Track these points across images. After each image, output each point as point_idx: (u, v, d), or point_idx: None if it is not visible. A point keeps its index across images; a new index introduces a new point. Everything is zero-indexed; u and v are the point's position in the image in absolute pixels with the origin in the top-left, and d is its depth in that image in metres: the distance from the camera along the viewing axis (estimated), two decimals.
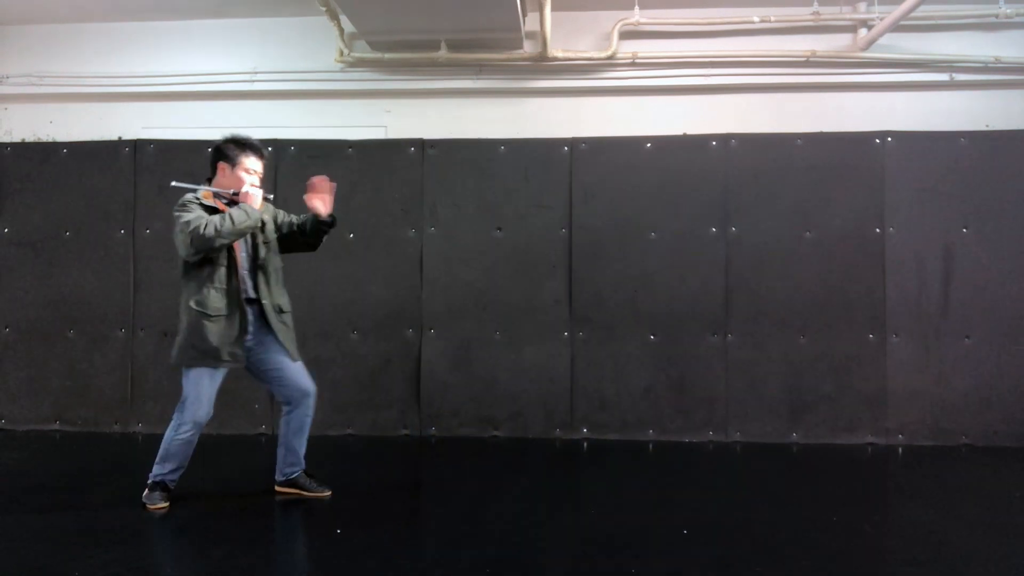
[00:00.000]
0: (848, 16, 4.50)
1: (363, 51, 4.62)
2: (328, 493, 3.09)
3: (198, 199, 2.92)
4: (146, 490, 2.95)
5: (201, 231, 2.75)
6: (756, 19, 4.52)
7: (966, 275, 4.16)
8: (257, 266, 2.97)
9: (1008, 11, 4.38)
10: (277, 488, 3.14)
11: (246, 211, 2.81)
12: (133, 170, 4.48)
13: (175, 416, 2.98)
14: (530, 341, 4.30)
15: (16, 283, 4.48)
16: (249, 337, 2.94)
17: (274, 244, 3.06)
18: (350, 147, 4.44)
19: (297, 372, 3.03)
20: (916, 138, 4.24)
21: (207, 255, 2.84)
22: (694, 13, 4.57)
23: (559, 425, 4.29)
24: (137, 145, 4.51)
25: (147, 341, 4.41)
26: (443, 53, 4.51)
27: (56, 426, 4.40)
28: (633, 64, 4.60)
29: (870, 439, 4.15)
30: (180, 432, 2.94)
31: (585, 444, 4.17)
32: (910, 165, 4.22)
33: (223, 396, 4.32)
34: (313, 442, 4.13)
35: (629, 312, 4.28)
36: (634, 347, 4.26)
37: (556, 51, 4.50)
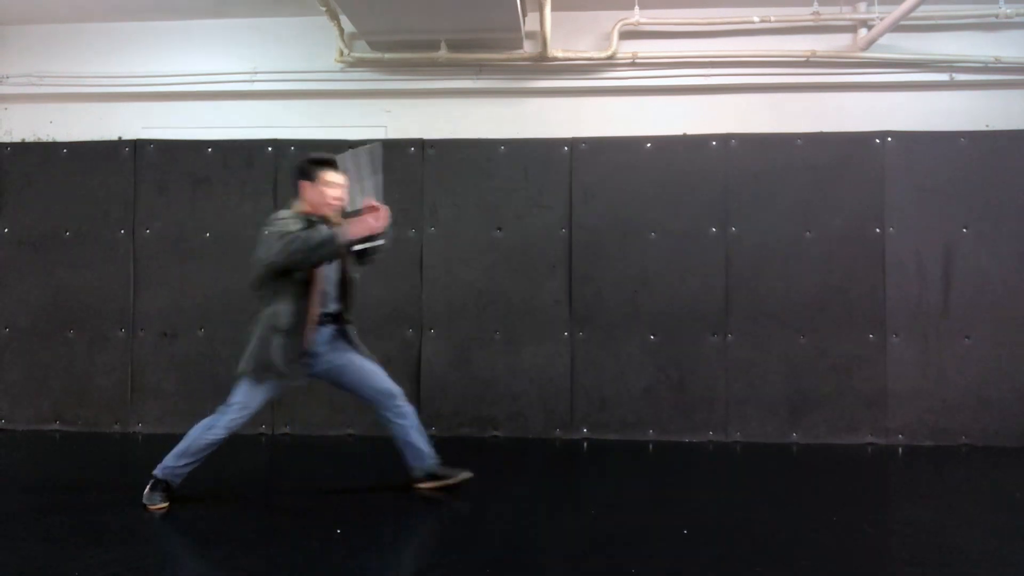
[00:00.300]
0: (848, 16, 4.50)
1: (363, 51, 4.62)
2: (469, 474, 3.12)
3: (304, 218, 2.90)
4: (147, 489, 2.93)
5: (289, 246, 2.73)
6: (756, 19, 4.52)
7: (966, 275, 4.16)
8: (345, 279, 3.02)
9: (1008, 11, 4.38)
10: (416, 486, 3.15)
11: (331, 237, 2.74)
12: (133, 170, 4.48)
13: (213, 416, 2.95)
14: (530, 341, 4.30)
15: (16, 283, 4.48)
16: (324, 349, 2.97)
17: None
18: (350, 147, 4.41)
19: (379, 376, 3.06)
20: (916, 138, 4.24)
21: (293, 274, 2.84)
22: (694, 13, 4.57)
23: (559, 425, 4.29)
24: (137, 145, 4.51)
25: (147, 341, 4.41)
26: (443, 53, 4.51)
27: (56, 426, 4.40)
28: (633, 64, 4.60)
29: (870, 439, 4.15)
30: (211, 433, 2.93)
31: (585, 444, 4.17)
32: (910, 165, 4.22)
33: (223, 396, 4.34)
34: (313, 442, 4.16)
35: (629, 312, 4.28)
36: (634, 347, 4.26)
37: (556, 51, 4.50)
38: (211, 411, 4.33)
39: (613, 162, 4.33)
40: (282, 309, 2.84)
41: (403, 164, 4.40)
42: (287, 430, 4.34)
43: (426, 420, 4.28)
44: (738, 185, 4.29)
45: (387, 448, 4.05)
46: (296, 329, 2.85)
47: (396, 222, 4.35)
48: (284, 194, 4.42)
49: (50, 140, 4.73)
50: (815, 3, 4.47)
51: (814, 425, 4.18)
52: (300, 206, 2.97)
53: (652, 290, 4.27)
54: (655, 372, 4.27)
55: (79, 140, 4.62)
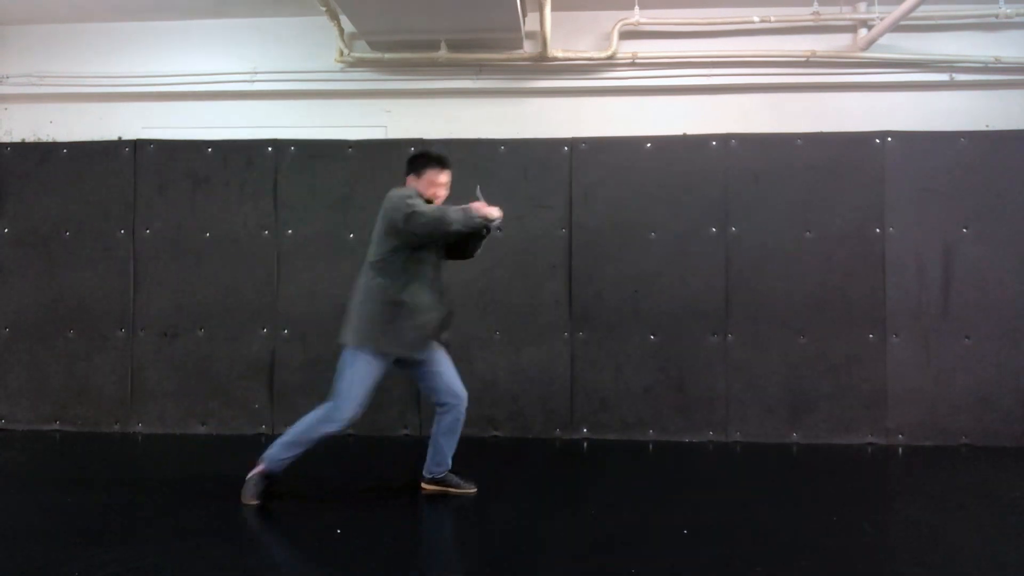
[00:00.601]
0: (848, 16, 4.50)
1: (363, 51, 4.62)
2: (474, 489, 3.13)
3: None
4: (254, 479, 2.94)
5: (427, 215, 2.78)
6: (756, 19, 4.52)
7: (966, 275, 4.16)
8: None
9: (1008, 11, 4.38)
10: (423, 485, 3.18)
11: (465, 211, 2.83)
12: (133, 170, 4.48)
13: (323, 409, 2.95)
14: (530, 341, 4.30)
15: (16, 283, 4.48)
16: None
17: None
18: (350, 147, 4.44)
19: (454, 376, 3.08)
20: (916, 138, 4.24)
21: (417, 252, 2.89)
22: (694, 13, 4.57)
23: (559, 425, 4.29)
24: (137, 145, 4.51)
25: (147, 341, 4.41)
26: (443, 53, 4.50)
27: (56, 426, 4.40)
28: (633, 64, 4.60)
29: (870, 439, 4.15)
30: (326, 425, 2.92)
31: (585, 444, 4.17)
32: (910, 165, 4.22)
33: (223, 396, 4.35)
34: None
35: (629, 312, 4.28)
36: (634, 347, 4.26)
37: (556, 51, 4.50)
38: (211, 411, 4.38)
39: (613, 162, 4.33)
40: (418, 289, 2.89)
41: (403, 164, 4.38)
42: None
43: (426, 420, 4.29)
44: (738, 185, 4.28)
45: (387, 448, 4.06)
46: (433, 307, 2.93)
47: None
48: (284, 194, 4.43)
49: (50, 140, 4.73)
50: (815, 3, 4.46)
51: (814, 425, 4.18)
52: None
53: (652, 290, 4.27)
54: (655, 372, 4.27)
55: (79, 140, 4.62)
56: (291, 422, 4.29)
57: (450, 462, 3.16)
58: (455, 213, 2.81)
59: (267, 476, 2.98)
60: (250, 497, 2.94)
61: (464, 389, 3.09)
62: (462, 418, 3.09)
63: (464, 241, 3.06)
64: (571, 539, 2.64)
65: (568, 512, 2.95)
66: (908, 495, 3.27)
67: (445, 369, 3.06)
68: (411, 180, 3.06)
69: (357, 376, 2.91)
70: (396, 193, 2.92)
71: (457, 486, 3.15)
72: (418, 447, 4.08)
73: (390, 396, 4.33)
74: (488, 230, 2.93)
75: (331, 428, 2.93)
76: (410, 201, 2.83)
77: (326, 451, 3.96)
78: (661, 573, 2.34)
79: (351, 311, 2.98)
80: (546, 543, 2.60)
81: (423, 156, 3.08)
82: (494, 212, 2.87)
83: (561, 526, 2.77)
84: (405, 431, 4.32)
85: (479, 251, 3.13)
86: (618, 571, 2.33)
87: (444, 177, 3.05)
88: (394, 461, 3.85)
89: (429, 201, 2.98)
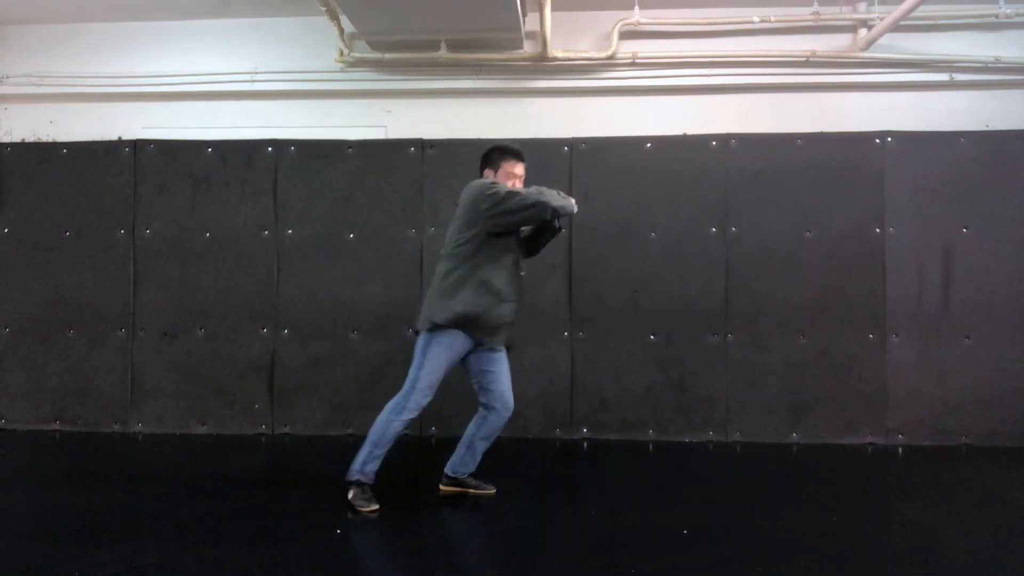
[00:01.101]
0: (848, 16, 4.50)
1: (363, 51, 4.62)
2: (493, 490, 3.12)
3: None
4: (351, 491, 2.91)
5: (519, 197, 2.82)
6: (756, 19, 4.52)
7: (966, 275, 4.16)
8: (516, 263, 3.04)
9: (1008, 11, 4.38)
10: (441, 487, 3.16)
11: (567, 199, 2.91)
12: (133, 170, 4.48)
13: (396, 402, 2.93)
14: (530, 341, 4.29)
15: (16, 283, 4.48)
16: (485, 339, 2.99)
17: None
18: (350, 147, 4.44)
19: (508, 384, 3.05)
20: (916, 138, 4.24)
21: (497, 241, 2.90)
22: (694, 13, 4.57)
23: (559, 425, 4.29)
24: (137, 145, 4.51)
25: (147, 341, 4.41)
26: (443, 53, 4.51)
27: (56, 426, 4.40)
28: (633, 64, 4.60)
29: (870, 439, 4.15)
30: (403, 416, 2.91)
31: (585, 444, 4.17)
32: (910, 165, 4.22)
33: (223, 396, 4.35)
34: (313, 442, 4.17)
35: (629, 312, 4.28)
36: (634, 347, 4.26)
37: (556, 51, 4.50)
38: (211, 411, 4.38)
39: (613, 162, 4.33)
40: (497, 273, 2.89)
41: (403, 164, 4.40)
42: (287, 430, 4.34)
43: (426, 420, 4.29)
44: (738, 185, 4.29)
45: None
46: (511, 297, 2.93)
47: (396, 222, 4.39)
48: (284, 194, 4.43)
49: (50, 140, 4.73)
50: (815, 3, 4.47)
51: (814, 425, 4.18)
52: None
53: (652, 290, 4.27)
54: (655, 372, 4.27)
55: (79, 140, 4.62)
56: (291, 422, 4.35)
57: (476, 468, 3.14)
58: (551, 193, 2.85)
59: (361, 484, 2.94)
60: (367, 509, 2.88)
61: (513, 400, 3.06)
62: (502, 426, 3.07)
63: (535, 237, 3.09)
64: (571, 539, 2.64)
65: (568, 512, 2.95)
66: (908, 495, 3.27)
67: (503, 374, 3.04)
68: (487, 175, 3.07)
69: (428, 365, 2.90)
70: (479, 182, 2.95)
71: (476, 487, 3.13)
72: (418, 447, 4.10)
73: (389, 396, 4.31)
74: (559, 225, 3.01)
75: (406, 416, 2.90)
76: (498, 188, 2.87)
77: (326, 451, 3.97)
78: (661, 573, 2.34)
79: (425, 299, 3.02)
80: (546, 543, 2.60)
81: (498, 149, 3.09)
82: (568, 199, 2.93)
83: (561, 526, 2.77)
84: (405, 431, 4.30)
85: (544, 249, 3.14)
86: (618, 571, 2.33)
87: (521, 169, 3.07)
88: (394, 461, 3.83)
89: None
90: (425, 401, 2.92)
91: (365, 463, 2.92)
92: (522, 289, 3.07)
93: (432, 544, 2.63)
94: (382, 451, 2.93)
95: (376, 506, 2.89)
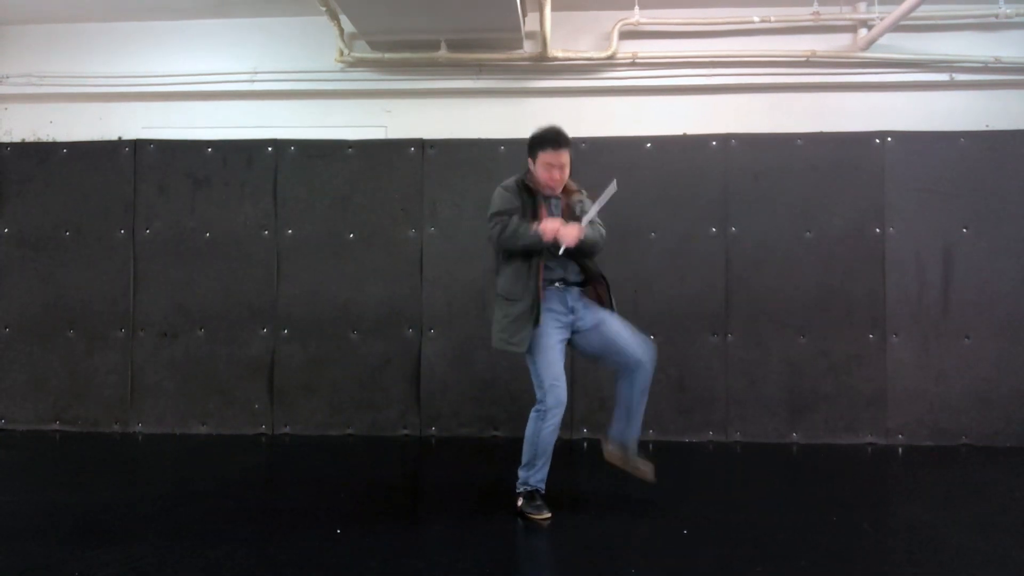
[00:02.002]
0: (848, 16, 4.50)
1: (363, 51, 4.62)
2: (652, 477, 2.95)
3: (520, 183, 2.96)
4: (520, 500, 2.87)
5: (500, 234, 2.84)
6: (756, 19, 4.52)
7: (966, 275, 4.16)
8: (577, 250, 2.89)
9: (1008, 11, 4.38)
10: (606, 453, 3.02)
11: (533, 234, 2.77)
12: (133, 170, 4.48)
13: (535, 410, 2.86)
14: None
15: (16, 283, 4.48)
16: (572, 317, 2.90)
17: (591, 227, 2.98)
18: (350, 147, 4.44)
19: (626, 338, 2.93)
20: (916, 138, 4.24)
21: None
22: (694, 13, 4.57)
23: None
24: (137, 145, 4.51)
25: (147, 341, 4.41)
26: (443, 53, 4.51)
27: (56, 426, 4.40)
28: (633, 64, 4.60)
29: (870, 439, 4.15)
30: (548, 420, 2.82)
31: (585, 444, 4.17)
32: (910, 165, 4.22)
33: (223, 396, 4.35)
34: (313, 442, 4.17)
35: (629, 312, 4.24)
36: None
37: (556, 51, 4.50)
38: (211, 411, 4.38)
39: (613, 162, 4.33)
40: (508, 275, 2.88)
41: (403, 164, 4.40)
42: (287, 430, 4.34)
43: (426, 420, 4.30)
44: (738, 185, 4.28)
45: (387, 448, 4.06)
46: (516, 296, 2.84)
47: (396, 222, 4.39)
48: (284, 194, 4.43)
49: (50, 140, 4.73)
50: (815, 3, 4.47)
51: (814, 425, 4.18)
52: (527, 176, 2.99)
53: (652, 290, 4.27)
54: (655, 372, 4.24)
55: (79, 140, 4.62)
56: (291, 422, 4.36)
57: (635, 435, 2.99)
58: (523, 231, 2.78)
59: (533, 494, 2.88)
60: (539, 516, 2.81)
61: (639, 354, 2.93)
62: (649, 379, 2.96)
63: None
64: (570, 539, 2.64)
65: (568, 512, 2.94)
66: (908, 495, 3.27)
67: (618, 334, 2.92)
68: (531, 165, 2.99)
69: (542, 365, 2.82)
70: (493, 197, 2.95)
71: (635, 465, 2.97)
72: (418, 447, 4.10)
73: (389, 396, 4.34)
74: (559, 249, 2.83)
75: (554, 419, 2.82)
76: (493, 214, 2.87)
77: (326, 451, 3.97)
78: (661, 573, 2.34)
79: None
80: (545, 543, 2.60)
81: (536, 138, 2.95)
82: (565, 235, 2.74)
83: (561, 526, 2.77)
84: (405, 431, 4.32)
85: (590, 257, 3.04)
86: (618, 571, 2.33)
87: (559, 158, 2.89)
88: (394, 461, 3.85)
89: (531, 191, 2.93)
90: (561, 393, 2.82)
91: (529, 476, 2.88)
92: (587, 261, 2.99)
93: (431, 544, 2.63)
94: (543, 460, 2.88)
95: (548, 514, 2.80)
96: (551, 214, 2.92)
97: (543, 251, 2.82)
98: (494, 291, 2.98)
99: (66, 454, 3.93)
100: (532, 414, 2.87)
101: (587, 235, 2.87)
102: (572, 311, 2.92)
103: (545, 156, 2.91)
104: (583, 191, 3.09)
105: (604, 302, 3.01)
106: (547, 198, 2.96)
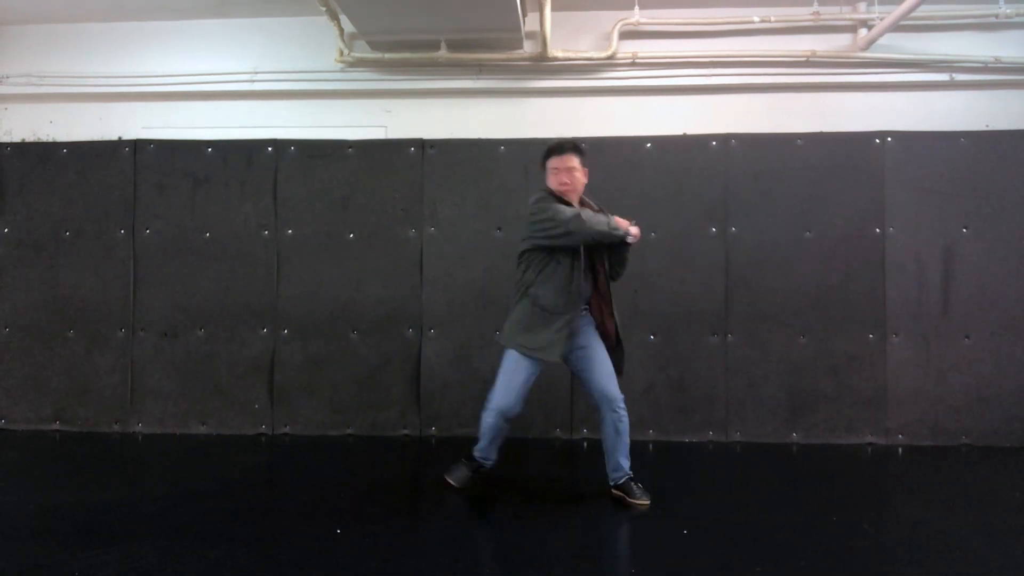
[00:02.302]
0: (848, 16, 4.50)
1: (363, 51, 4.62)
2: (646, 503, 3.00)
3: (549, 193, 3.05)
4: (629, 487, 3.03)
5: (576, 222, 2.87)
6: (756, 19, 4.52)
7: (966, 275, 4.17)
8: (594, 269, 3.05)
9: (1008, 11, 4.38)
10: (611, 490, 3.11)
11: (611, 224, 2.91)
12: (133, 170, 4.48)
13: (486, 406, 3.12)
14: None
15: (16, 283, 4.48)
16: (578, 338, 3.03)
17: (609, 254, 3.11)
18: (350, 147, 4.44)
19: (606, 378, 3.02)
20: (916, 138, 4.24)
21: (554, 255, 2.96)
22: (694, 13, 4.57)
23: (559, 425, 4.29)
24: (137, 145, 4.51)
25: (147, 341, 4.41)
26: (443, 53, 4.51)
27: (56, 426, 4.40)
28: (633, 64, 4.60)
29: (870, 439, 4.15)
30: (487, 416, 3.10)
31: (585, 444, 4.17)
32: (910, 165, 4.22)
33: (223, 396, 4.35)
34: (313, 442, 4.17)
35: (629, 312, 4.27)
36: (634, 347, 4.25)
37: (556, 51, 4.50)
38: (211, 411, 4.39)
39: (613, 162, 4.33)
40: (552, 291, 2.95)
41: (403, 164, 4.40)
42: (287, 430, 4.34)
43: (426, 420, 4.30)
44: (738, 185, 4.29)
45: (387, 448, 4.06)
46: (565, 311, 2.94)
47: (396, 222, 4.39)
48: (284, 194, 4.43)
49: (50, 140, 4.73)
50: (815, 3, 4.47)
51: (814, 425, 4.18)
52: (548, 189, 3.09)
53: (652, 290, 4.27)
54: (655, 372, 4.27)
55: (79, 140, 4.62)
56: (291, 422, 4.36)
57: (626, 469, 3.06)
58: (595, 218, 2.88)
59: (478, 469, 3.20)
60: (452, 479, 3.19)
61: (617, 392, 3.01)
62: (623, 421, 3.01)
63: (611, 253, 3.08)
64: (571, 539, 2.64)
65: (568, 512, 2.95)
66: (908, 495, 3.27)
67: (596, 370, 3.01)
68: (547, 179, 3.11)
69: (506, 372, 3.06)
70: (531, 200, 3.04)
71: (633, 496, 3.02)
72: (418, 447, 4.10)
73: (389, 396, 4.34)
74: (626, 245, 3.00)
75: (489, 418, 3.09)
76: (541, 204, 2.93)
77: (326, 451, 3.97)
78: (661, 573, 2.34)
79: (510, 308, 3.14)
80: (546, 543, 2.60)
81: (545, 151, 3.12)
82: (633, 230, 2.93)
83: (561, 526, 2.77)
84: (405, 431, 4.32)
85: (622, 270, 3.13)
86: (618, 571, 2.33)
87: (563, 162, 3.02)
88: (394, 461, 3.85)
89: (562, 200, 3.02)
90: (506, 405, 3.06)
91: (479, 452, 3.19)
92: (601, 285, 3.07)
93: (431, 544, 2.63)
94: (484, 443, 3.16)
95: (464, 487, 3.15)
96: None
97: (587, 259, 2.98)
98: (520, 295, 3.06)
99: (66, 454, 3.93)
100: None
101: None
102: (575, 332, 3.06)
103: (551, 163, 3.07)
104: (604, 209, 3.15)
105: (611, 336, 3.09)
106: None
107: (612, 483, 3.09)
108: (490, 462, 3.23)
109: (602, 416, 3.04)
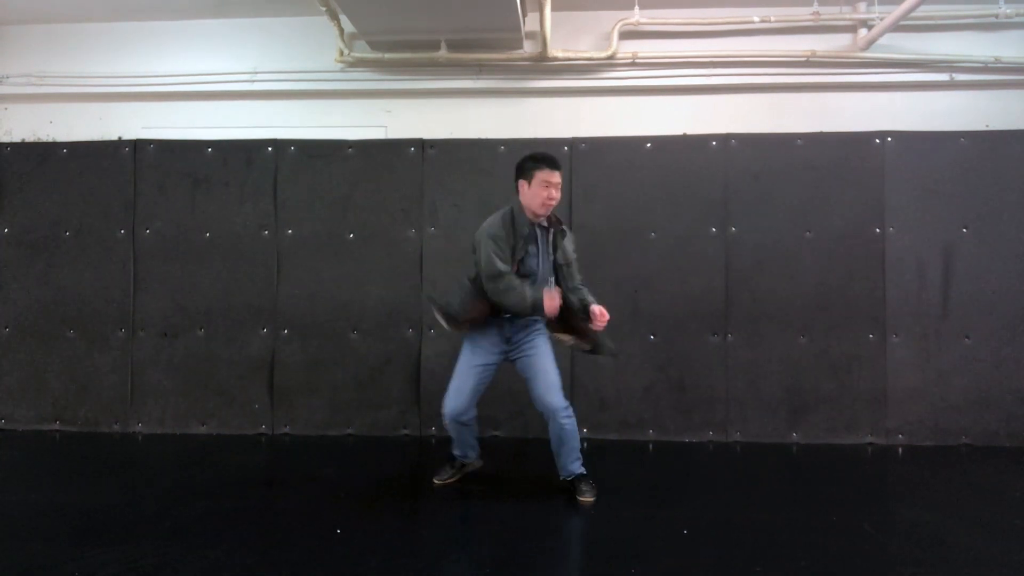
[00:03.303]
0: (848, 16, 4.50)
1: (363, 51, 4.62)
2: (591, 499, 3.04)
3: (507, 218, 3.02)
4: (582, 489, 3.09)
5: (500, 288, 2.92)
6: (756, 19, 4.52)
7: (966, 275, 4.17)
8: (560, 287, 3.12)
9: (1008, 11, 4.38)
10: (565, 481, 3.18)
11: (534, 302, 2.93)
12: (133, 170, 4.48)
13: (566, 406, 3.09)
14: None
15: (16, 283, 4.48)
16: (507, 347, 3.11)
17: (565, 271, 3.16)
18: (350, 147, 4.44)
19: (548, 385, 3.04)
20: (916, 138, 4.24)
21: None
22: (694, 13, 4.57)
23: None
24: (137, 145, 4.51)
25: (147, 341, 4.41)
26: (443, 53, 4.51)
27: (56, 426, 4.40)
28: (633, 64, 4.60)
29: (870, 439, 4.15)
30: (444, 420, 3.14)
31: (585, 444, 4.15)
32: (910, 165, 4.22)
33: (223, 396, 4.35)
34: (313, 442, 4.17)
35: (629, 312, 4.28)
36: (634, 347, 4.26)
37: (556, 51, 4.50)
38: (211, 411, 4.39)
39: (613, 162, 4.33)
40: (457, 300, 3.02)
41: (403, 164, 4.40)
42: (287, 430, 4.34)
43: (426, 420, 4.30)
44: (738, 185, 4.29)
45: (387, 448, 4.06)
46: (493, 316, 3.04)
47: (396, 222, 4.39)
48: (284, 194, 4.43)
49: (50, 140, 4.73)
50: (815, 3, 4.47)
51: (814, 425, 4.18)
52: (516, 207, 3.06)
53: (652, 290, 4.27)
54: (655, 372, 4.27)
55: (79, 140, 4.62)
56: (291, 422, 4.36)
57: (571, 470, 3.11)
58: (523, 300, 2.91)
59: (463, 467, 3.34)
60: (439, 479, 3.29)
61: (559, 399, 3.02)
62: (565, 429, 3.02)
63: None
64: (571, 539, 2.64)
65: (568, 512, 2.95)
66: (908, 495, 3.27)
67: (539, 380, 3.04)
68: (522, 186, 3.03)
69: (457, 375, 3.11)
70: (485, 234, 2.99)
71: (579, 493, 3.07)
72: (418, 447, 4.10)
73: (389, 396, 4.34)
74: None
75: (445, 422, 3.14)
76: (496, 246, 2.93)
77: (326, 451, 3.97)
78: (661, 573, 2.34)
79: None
80: (546, 543, 2.60)
81: (532, 159, 3.03)
82: (552, 305, 2.95)
83: (561, 526, 2.77)
84: (405, 431, 4.32)
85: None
86: (618, 571, 2.33)
87: (555, 177, 3.00)
88: (394, 461, 3.85)
89: (527, 222, 3.04)
90: (451, 407, 3.10)
91: (454, 449, 3.28)
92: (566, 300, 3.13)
93: (431, 543, 2.63)
94: (454, 441, 3.24)
95: (449, 481, 3.28)
96: (539, 248, 3.05)
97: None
98: (474, 278, 3.08)
99: (66, 454, 3.93)
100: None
101: (568, 302, 3.07)
102: (508, 340, 3.12)
103: (542, 174, 2.99)
104: (565, 227, 3.20)
105: (584, 333, 3.12)
106: (533, 229, 3.04)
107: (561, 478, 3.17)
108: (472, 457, 3.30)
109: (548, 420, 3.06)
